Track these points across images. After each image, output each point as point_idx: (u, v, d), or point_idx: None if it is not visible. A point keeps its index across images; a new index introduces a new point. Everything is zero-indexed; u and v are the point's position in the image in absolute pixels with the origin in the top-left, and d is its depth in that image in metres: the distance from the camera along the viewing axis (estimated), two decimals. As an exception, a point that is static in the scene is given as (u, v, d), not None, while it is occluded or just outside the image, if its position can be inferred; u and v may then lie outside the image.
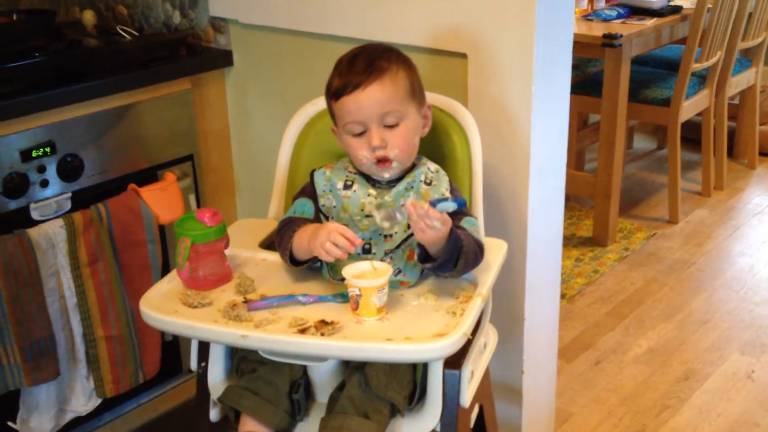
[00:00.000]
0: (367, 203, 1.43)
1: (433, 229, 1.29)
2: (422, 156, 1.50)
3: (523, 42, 1.61)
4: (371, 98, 1.39)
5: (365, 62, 1.41)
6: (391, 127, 1.41)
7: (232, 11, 2.11)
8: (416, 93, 1.45)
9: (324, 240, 1.32)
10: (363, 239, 1.41)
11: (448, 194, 1.44)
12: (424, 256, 1.35)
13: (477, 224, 1.44)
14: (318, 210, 1.48)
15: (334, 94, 1.42)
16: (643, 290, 2.97)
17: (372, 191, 1.45)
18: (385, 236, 1.43)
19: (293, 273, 1.44)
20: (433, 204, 1.30)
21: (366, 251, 1.43)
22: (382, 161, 1.42)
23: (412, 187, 1.44)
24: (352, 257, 1.40)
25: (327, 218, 1.46)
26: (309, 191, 1.50)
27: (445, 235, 1.31)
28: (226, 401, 1.41)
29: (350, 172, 1.48)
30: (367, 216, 1.43)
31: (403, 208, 1.33)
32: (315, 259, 1.41)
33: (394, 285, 1.37)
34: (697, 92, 3.47)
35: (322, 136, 1.63)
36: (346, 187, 1.46)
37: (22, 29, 2.03)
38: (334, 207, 1.46)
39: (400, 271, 1.39)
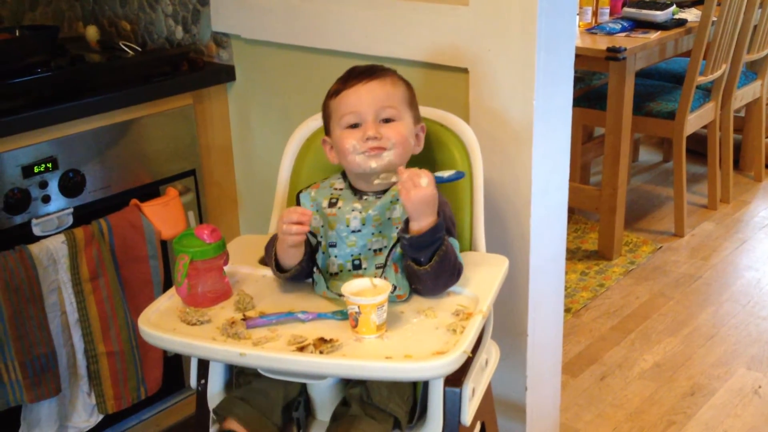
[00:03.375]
0: (352, 218, 1.43)
1: (418, 187, 1.32)
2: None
3: (525, 56, 1.60)
4: (371, 92, 1.42)
5: (366, 67, 1.48)
6: (387, 122, 1.43)
7: (235, 26, 2.11)
8: (413, 106, 1.49)
9: (280, 225, 1.36)
10: (353, 255, 1.42)
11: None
12: (406, 228, 1.36)
13: (458, 247, 1.44)
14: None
15: (333, 93, 1.46)
16: (649, 304, 2.95)
17: (357, 205, 1.44)
18: (375, 251, 1.42)
19: (293, 290, 1.44)
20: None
21: (356, 267, 1.42)
22: (374, 149, 1.42)
23: (398, 200, 1.42)
24: (345, 275, 1.40)
25: (315, 237, 1.45)
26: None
27: (428, 198, 1.33)
28: (219, 411, 1.40)
29: (335, 189, 1.48)
30: (354, 231, 1.42)
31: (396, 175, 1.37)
32: (301, 269, 1.41)
33: (390, 299, 1.36)
34: (703, 105, 3.46)
35: (323, 152, 1.62)
36: (331, 204, 1.45)
37: (26, 45, 2.04)
38: (322, 227, 1.45)
39: (395, 287, 1.38)
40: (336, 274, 1.43)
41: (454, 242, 1.43)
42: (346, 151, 1.43)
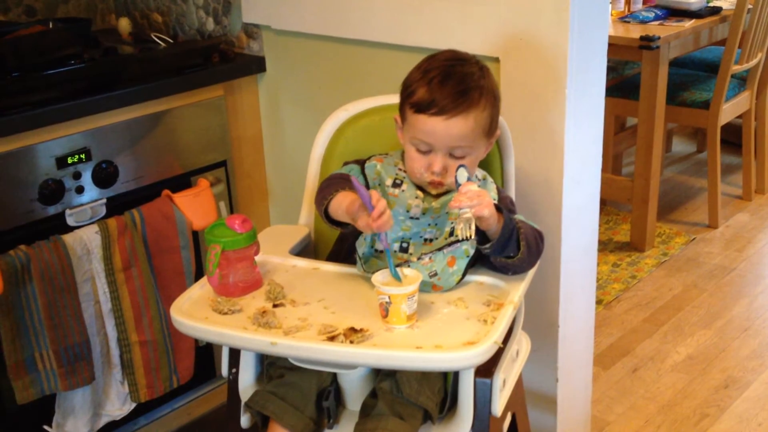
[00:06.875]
0: (414, 206, 1.42)
1: (480, 196, 1.29)
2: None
3: (557, 45, 1.59)
4: (449, 131, 1.36)
5: (458, 87, 1.36)
6: (456, 157, 1.39)
7: (265, 18, 2.12)
8: (491, 129, 1.42)
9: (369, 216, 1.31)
10: (403, 238, 1.42)
11: (495, 202, 1.42)
12: (482, 239, 1.36)
13: (523, 216, 1.45)
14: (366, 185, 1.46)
15: (415, 105, 1.38)
16: (682, 296, 2.91)
17: (419, 193, 1.43)
18: (425, 240, 1.42)
19: (323, 279, 1.44)
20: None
21: (403, 250, 1.42)
22: (436, 182, 1.41)
23: None
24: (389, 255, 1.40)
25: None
26: (360, 165, 1.49)
27: (489, 199, 1.31)
28: (252, 405, 1.41)
29: (400, 169, 1.46)
30: (411, 218, 1.42)
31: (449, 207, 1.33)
32: (350, 228, 1.39)
33: (426, 287, 1.36)
34: (738, 94, 3.41)
35: (353, 143, 1.63)
36: (395, 185, 1.45)
37: (59, 37, 2.06)
38: None
39: (435, 274, 1.38)
40: (381, 251, 1.42)
41: (518, 216, 1.43)
42: (411, 168, 1.42)
